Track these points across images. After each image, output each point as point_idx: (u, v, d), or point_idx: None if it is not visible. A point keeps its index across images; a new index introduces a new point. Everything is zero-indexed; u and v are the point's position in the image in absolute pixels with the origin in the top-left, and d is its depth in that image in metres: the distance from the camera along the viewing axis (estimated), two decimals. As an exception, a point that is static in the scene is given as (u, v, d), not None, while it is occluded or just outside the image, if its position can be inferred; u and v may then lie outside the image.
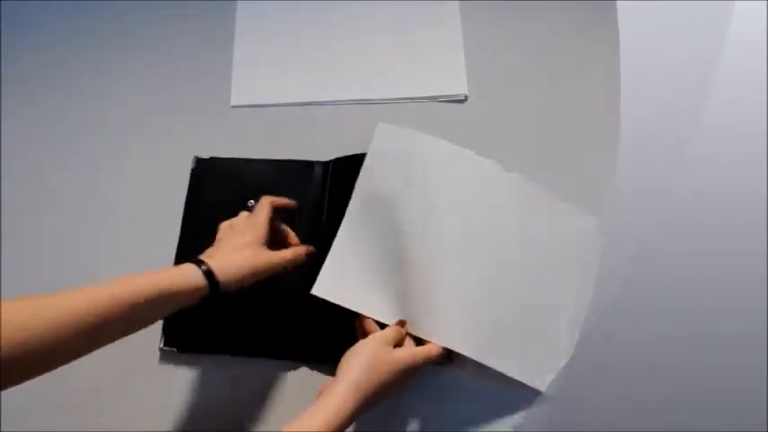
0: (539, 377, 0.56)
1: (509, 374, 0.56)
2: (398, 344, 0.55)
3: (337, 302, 0.59)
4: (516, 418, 0.57)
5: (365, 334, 0.57)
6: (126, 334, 0.48)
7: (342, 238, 0.62)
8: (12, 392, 0.62)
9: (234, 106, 0.76)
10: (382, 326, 0.58)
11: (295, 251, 0.60)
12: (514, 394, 0.58)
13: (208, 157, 0.71)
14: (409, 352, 0.53)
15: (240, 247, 0.54)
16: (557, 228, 0.62)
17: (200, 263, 0.51)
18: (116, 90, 0.79)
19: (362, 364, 0.50)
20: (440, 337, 0.56)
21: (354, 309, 0.59)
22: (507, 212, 0.62)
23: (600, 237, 0.60)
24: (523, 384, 0.57)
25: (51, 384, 0.65)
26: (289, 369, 0.62)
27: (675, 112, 0.38)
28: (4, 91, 0.80)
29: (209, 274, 0.50)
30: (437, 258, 0.59)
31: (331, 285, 0.60)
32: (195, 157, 0.71)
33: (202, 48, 0.80)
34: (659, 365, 0.38)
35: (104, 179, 0.74)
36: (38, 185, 0.74)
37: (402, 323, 0.57)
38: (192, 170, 0.70)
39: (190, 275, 0.50)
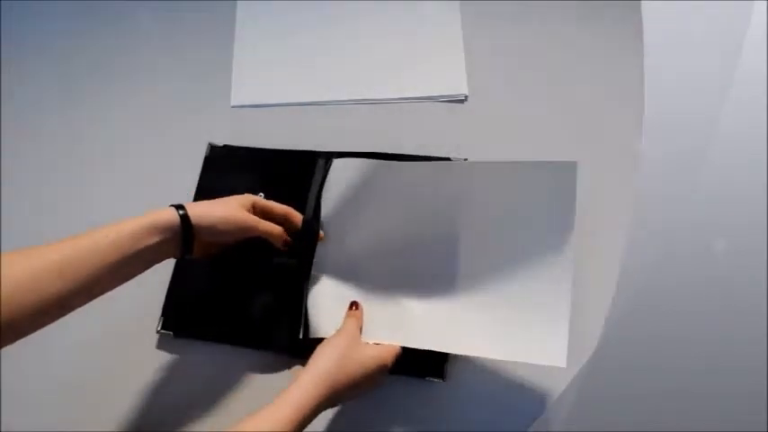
0: (555, 354, 0.53)
1: (527, 361, 0.54)
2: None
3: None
4: (529, 422, 0.56)
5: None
6: (114, 278, 0.50)
7: (317, 280, 0.61)
8: (11, 392, 0.62)
9: (234, 106, 0.76)
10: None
11: (278, 230, 0.59)
12: (525, 399, 0.57)
13: (221, 145, 0.72)
14: (380, 349, 0.54)
15: (220, 202, 0.57)
16: (526, 190, 0.58)
17: (179, 207, 0.54)
18: (116, 91, 0.79)
19: (333, 357, 0.51)
20: (443, 346, 0.55)
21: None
22: (472, 199, 0.59)
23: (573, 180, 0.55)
24: (532, 389, 0.56)
25: (48, 376, 0.65)
26: (282, 363, 0.61)
27: (691, 115, 0.38)
28: (5, 91, 0.80)
29: (185, 218, 0.53)
30: (421, 267, 0.58)
31: (320, 325, 0.59)
32: (209, 143, 0.72)
33: (202, 48, 0.81)
34: (677, 368, 0.38)
35: (104, 180, 0.74)
36: (37, 185, 0.74)
37: (354, 305, 0.58)
38: (206, 157, 0.71)
39: (166, 211, 0.53)
